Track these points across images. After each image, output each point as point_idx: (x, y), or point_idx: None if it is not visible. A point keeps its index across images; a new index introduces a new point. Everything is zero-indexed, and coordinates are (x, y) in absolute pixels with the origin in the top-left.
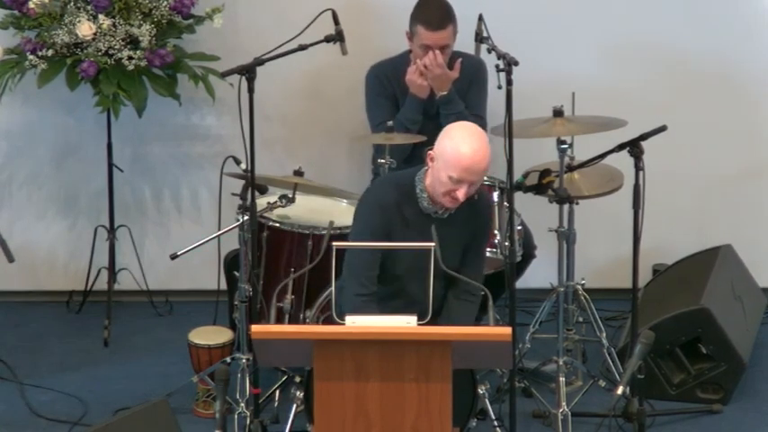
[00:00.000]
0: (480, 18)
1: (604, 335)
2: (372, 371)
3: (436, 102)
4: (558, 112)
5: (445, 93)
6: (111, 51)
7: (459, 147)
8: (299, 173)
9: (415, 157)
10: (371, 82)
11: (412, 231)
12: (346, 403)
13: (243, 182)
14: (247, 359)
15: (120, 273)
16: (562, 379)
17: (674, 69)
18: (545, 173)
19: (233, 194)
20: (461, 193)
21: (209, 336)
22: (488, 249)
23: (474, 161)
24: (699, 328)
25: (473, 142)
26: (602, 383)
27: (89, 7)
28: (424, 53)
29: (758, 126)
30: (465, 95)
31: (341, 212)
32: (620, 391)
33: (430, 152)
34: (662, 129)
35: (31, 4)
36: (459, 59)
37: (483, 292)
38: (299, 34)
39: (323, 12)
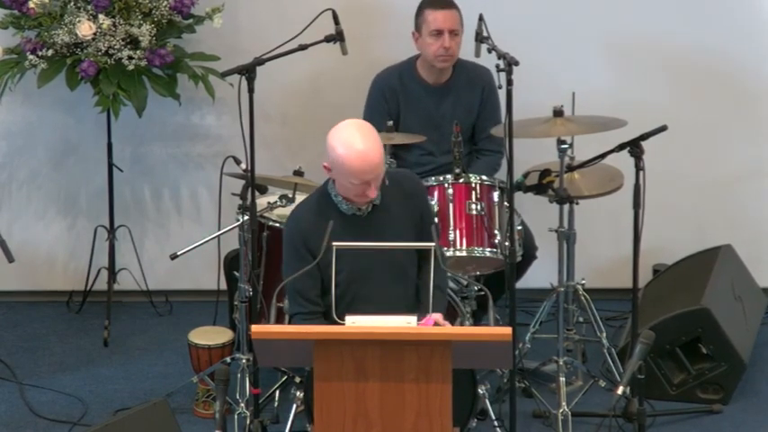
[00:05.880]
0: (480, 18)
1: (604, 335)
2: (372, 371)
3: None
4: (558, 112)
5: None
6: (111, 51)
7: (347, 153)
8: (299, 173)
9: (413, 164)
10: (375, 95)
11: (342, 237)
12: (346, 403)
13: (243, 182)
14: (247, 359)
15: (120, 273)
16: (562, 379)
17: (674, 69)
18: (545, 173)
19: (233, 194)
20: (372, 192)
21: (209, 336)
22: (489, 249)
23: (365, 161)
24: (699, 328)
25: (358, 143)
26: (603, 383)
27: (89, 7)
28: (436, 41)
29: (758, 126)
30: (480, 109)
31: None
32: (620, 391)
33: (325, 164)
34: (662, 129)
35: (31, 4)
36: None
37: (483, 293)
38: (299, 34)
39: (323, 12)
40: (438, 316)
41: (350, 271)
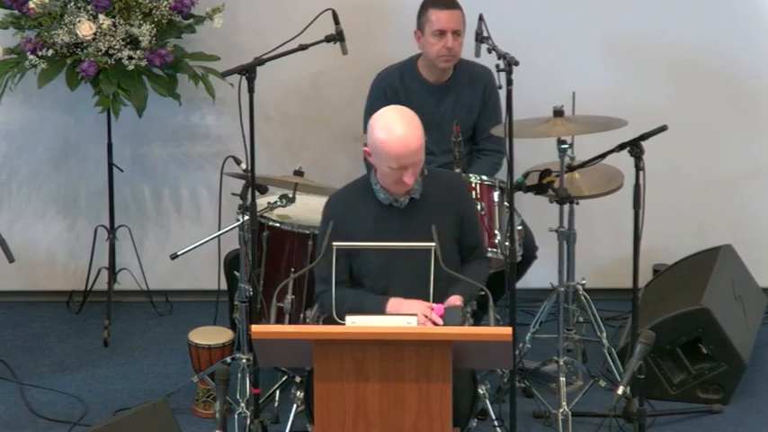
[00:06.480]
0: (480, 18)
1: (605, 335)
2: (372, 371)
3: (442, 111)
4: (558, 112)
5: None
6: (111, 51)
7: (387, 137)
8: (299, 173)
9: None
10: (375, 93)
11: (376, 226)
12: (346, 403)
13: (243, 182)
14: (247, 359)
15: (120, 273)
16: (562, 379)
17: (674, 69)
18: (545, 173)
19: (233, 194)
20: (408, 177)
21: (209, 336)
22: (489, 249)
23: (404, 145)
24: (699, 328)
25: (398, 127)
26: (603, 383)
27: (89, 7)
28: (439, 41)
29: (758, 126)
30: (481, 109)
31: None
32: (620, 391)
33: (365, 148)
34: (662, 129)
35: (31, 4)
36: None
37: (483, 293)
38: (300, 34)
39: (323, 11)
40: (455, 297)
41: (382, 264)
